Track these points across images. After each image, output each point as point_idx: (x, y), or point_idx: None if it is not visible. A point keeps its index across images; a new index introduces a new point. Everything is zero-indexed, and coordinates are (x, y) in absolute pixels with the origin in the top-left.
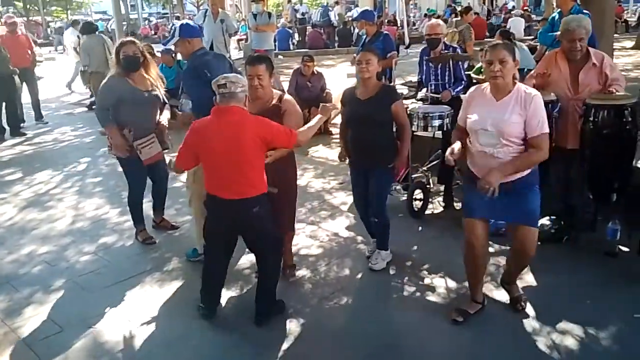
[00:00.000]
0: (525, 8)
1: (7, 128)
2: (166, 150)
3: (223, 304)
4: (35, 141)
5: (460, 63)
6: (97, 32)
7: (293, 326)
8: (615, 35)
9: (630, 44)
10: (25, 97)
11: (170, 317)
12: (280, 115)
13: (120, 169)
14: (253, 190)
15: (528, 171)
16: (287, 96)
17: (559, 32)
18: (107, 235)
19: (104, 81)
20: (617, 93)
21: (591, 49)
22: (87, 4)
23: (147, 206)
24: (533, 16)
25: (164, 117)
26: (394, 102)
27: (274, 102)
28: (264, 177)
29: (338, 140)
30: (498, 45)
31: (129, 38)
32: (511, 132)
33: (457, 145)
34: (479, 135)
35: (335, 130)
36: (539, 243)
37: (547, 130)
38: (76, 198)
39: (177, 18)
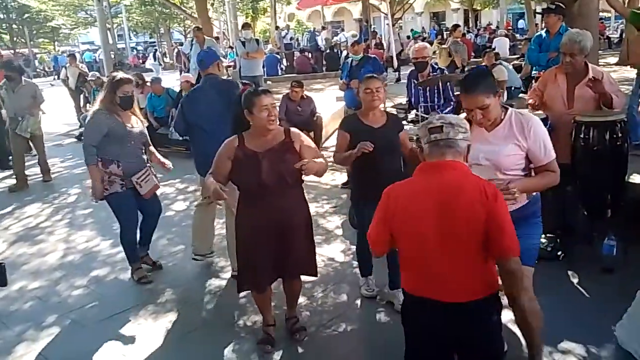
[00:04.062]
0: (509, 28)
1: None
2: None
3: (221, 332)
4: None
5: (449, 84)
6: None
7: (291, 356)
8: (598, 51)
9: (613, 59)
10: None
11: (165, 351)
12: (293, 151)
13: None
14: (487, 287)
15: (526, 200)
16: (293, 129)
17: (551, 52)
18: (99, 267)
19: (91, 117)
20: (612, 102)
21: (591, 66)
22: (75, 35)
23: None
24: (517, 35)
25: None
26: (401, 129)
27: (281, 138)
28: (495, 267)
29: (330, 164)
30: (473, 90)
31: (126, 75)
32: (508, 164)
33: None
34: (472, 170)
35: (327, 154)
36: (536, 262)
37: (553, 154)
38: (67, 231)
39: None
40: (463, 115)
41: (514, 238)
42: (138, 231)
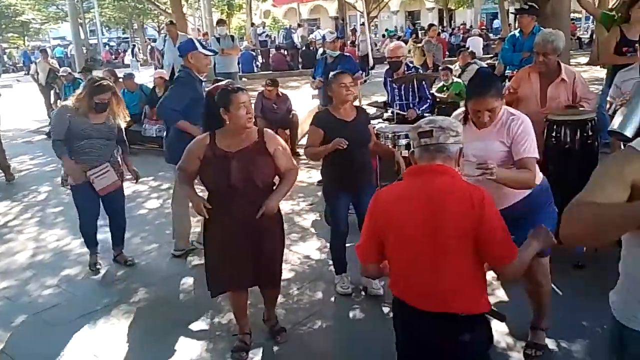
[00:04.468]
0: (483, 27)
1: None
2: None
3: (196, 331)
4: None
5: (424, 82)
6: None
7: (267, 353)
8: (570, 51)
9: (584, 59)
10: None
11: (138, 350)
12: (265, 153)
13: None
14: (465, 304)
15: (524, 194)
16: (268, 130)
17: (524, 52)
18: (70, 267)
19: (56, 111)
20: (582, 109)
21: (564, 66)
22: (45, 30)
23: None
24: (491, 35)
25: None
26: (369, 122)
27: (254, 138)
28: (485, 288)
29: (306, 161)
30: (486, 93)
31: (107, 82)
32: (495, 161)
33: None
34: (463, 166)
35: (302, 151)
36: None
37: (533, 154)
38: (37, 229)
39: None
40: (458, 110)
41: (505, 245)
42: (108, 231)
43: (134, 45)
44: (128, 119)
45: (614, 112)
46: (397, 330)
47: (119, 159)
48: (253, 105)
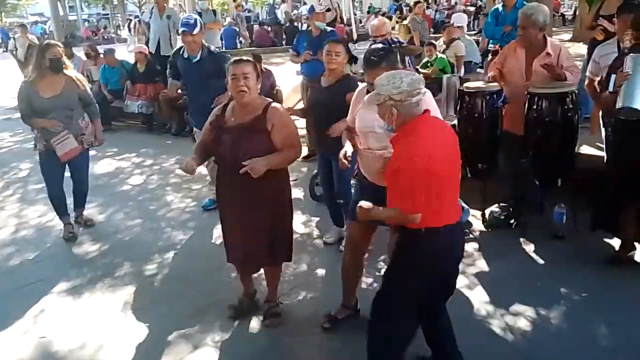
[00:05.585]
0: (468, 3)
1: None
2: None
3: (181, 303)
4: None
5: (407, 58)
6: None
7: (254, 324)
8: (553, 28)
9: (567, 36)
10: None
11: (123, 323)
12: (262, 130)
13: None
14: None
15: None
16: (275, 104)
17: (506, 26)
18: (53, 242)
19: (19, 88)
20: (566, 81)
21: (549, 40)
22: (23, 6)
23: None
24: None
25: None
26: (350, 91)
27: (257, 113)
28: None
29: None
30: (376, 66)
31: (51, 41)
32: None
33: (348, 148)
34: (368, 137)
35: None
36: (489, 230)
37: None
38: (19, 206)
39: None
40: (359, 87)
41: None
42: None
43: (130, 20)
44: (84, 80)
45: (615, 87)
46: (438, 262)
47: (82, 126)
48: (250, 80)
